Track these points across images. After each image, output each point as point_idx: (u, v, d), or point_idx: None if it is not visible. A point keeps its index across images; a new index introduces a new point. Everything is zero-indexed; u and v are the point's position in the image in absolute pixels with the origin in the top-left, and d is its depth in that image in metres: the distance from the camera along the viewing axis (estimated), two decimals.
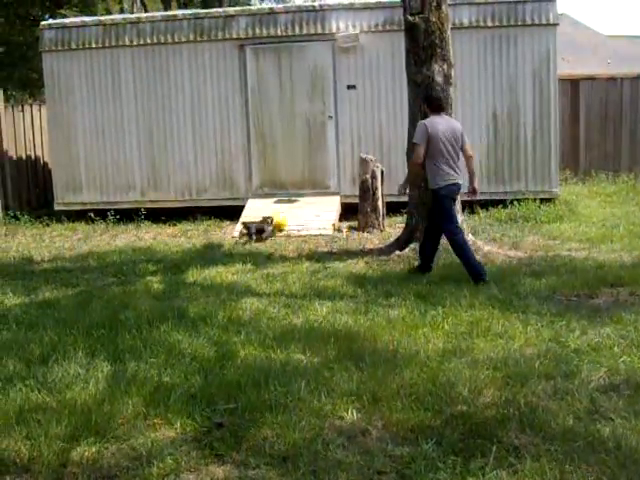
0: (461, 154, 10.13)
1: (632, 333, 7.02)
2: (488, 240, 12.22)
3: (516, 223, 13.84)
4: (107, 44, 16.24)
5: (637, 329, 7.12)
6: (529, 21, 15.37)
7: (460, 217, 11.29)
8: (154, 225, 15.56)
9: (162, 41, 16.10)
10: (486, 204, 15.02)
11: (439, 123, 9.91)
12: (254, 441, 5.00)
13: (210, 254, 12.16)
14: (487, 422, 5.11)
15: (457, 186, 10.03)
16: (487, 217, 14.45)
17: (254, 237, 13.24)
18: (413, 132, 10.89)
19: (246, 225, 13.58)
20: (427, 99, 10.36)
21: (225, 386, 5.88)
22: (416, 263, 10.40)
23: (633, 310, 7.82)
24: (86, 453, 4.91)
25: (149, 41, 16.13)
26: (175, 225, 15.40)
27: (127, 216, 15.98)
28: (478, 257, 10.58)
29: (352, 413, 5.35)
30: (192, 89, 16.15)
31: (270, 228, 13.46)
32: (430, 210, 10.31)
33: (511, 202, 15.03)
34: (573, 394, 5.56)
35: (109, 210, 16.08)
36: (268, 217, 13.59)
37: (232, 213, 15.30)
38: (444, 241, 10.11)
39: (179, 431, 5.21)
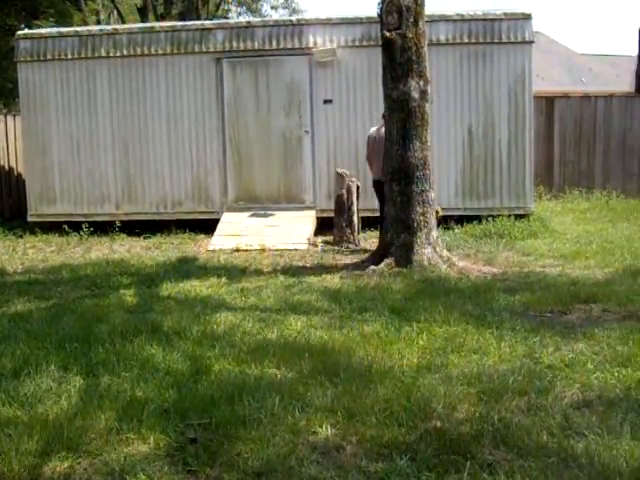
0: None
1: (605, 349, 7.04)
2: (463, 256, 12.26)
3: (490, 239, 13.90)
4: (83, 55, 16.22)
5: (610, 345, 7.15)
6: (505, 38, 15.51)
7: (435, 233, 11.36)
8: (129, 238, 15.52)
9: (138, 53, 16.10)
10: (461, 220, 15.09)
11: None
12: (228, 457, 4.96)
13: (185, 267, 12.11)
14: (461, 438, 5.10)
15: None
16: (462, 233, 14.50)
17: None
18: (389, 147, 11.03)
19: None
20: None
21: (199, 401, 5.83)
22: (392, 279, 10.45)
23: (606, 326, 7.85)
24: (58, 468, 4.85)
25: (125, 53, 16.13)
26: (150, 238, 15.37)
27: (102, 228, 15.92)
28: (453, 273, 10.69)
29: (326, 429, 5.33)
30: (168, 102, 16.14)
31: None
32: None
33: (486, 218, 15.09)
34: (547, 410, 5.57)
35: (83, 222, 16.00)
36: None
37: (207, 227, 15.29)
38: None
39: (152, 446, 5.15)
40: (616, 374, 6.36)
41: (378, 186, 12.61)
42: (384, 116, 11.83)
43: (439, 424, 5.32)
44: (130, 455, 5.03)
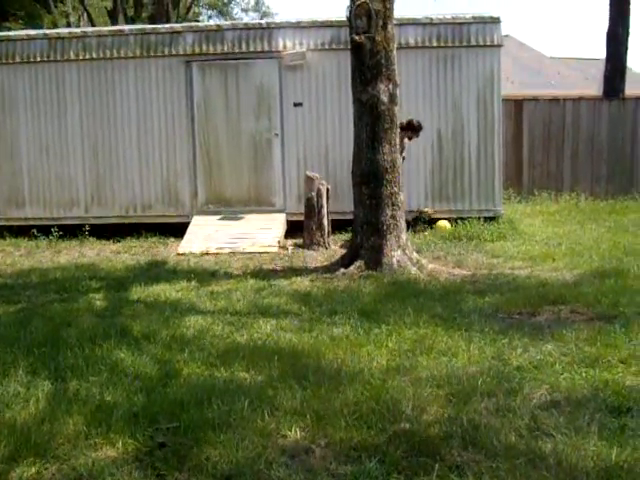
0: None
1: (573, 350, 7.09)
2: (432, 258, 12.31)
3: (460, 241, 13.97)
4: (52, 58, 16.12)
5: (578, 346, 7.20)
6: (474, 42, 15.58)
7: (404, 235, 11.40)
8: (98, 241, 15.44)
9: (108, 56, 16.02)
10: (431, 222, 15.12)
11: None
12: (197, 460, 4.95)
13: (154, 271, 12.08)
14: (430, 440, 5.12)
15: None
16: (431, 235, 14.54)
17: None
18: (359, 151, 11.08)
19: None
20: None
21: (168, 405, 5.81)
22: (362, 281, 10.48)
23: (574, 327, 7.90)
24: (25, 474, 4.82)
25: (95, 56, 16.04)
26: (119, 242, 15.30)
27: (71, 232, 15.83)
28: (422, 275, 10.74)
29: (295, 432, 5.33)
30: (138, 105, 16.08)
31: None
32: None
33: (455, 220, 15.14)
34: (515, 411, 5.60)
35: (53, 226, 15.91)
36: None
37: (177, 230, 15.24)
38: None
39: (121, 451, 5.13)
40: (584, 375, 6.41)
41: None
42: (401, 126, 12.49)
43: (408, 426, 5.33)
44: (98, 460, 5.00)
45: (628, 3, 23.60)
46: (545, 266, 11.60)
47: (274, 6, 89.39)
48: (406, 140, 14.19)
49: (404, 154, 13.78)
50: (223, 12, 51.78)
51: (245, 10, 52.16)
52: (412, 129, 14.27)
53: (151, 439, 5.29)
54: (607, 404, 5.77)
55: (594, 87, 28.42)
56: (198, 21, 44.09)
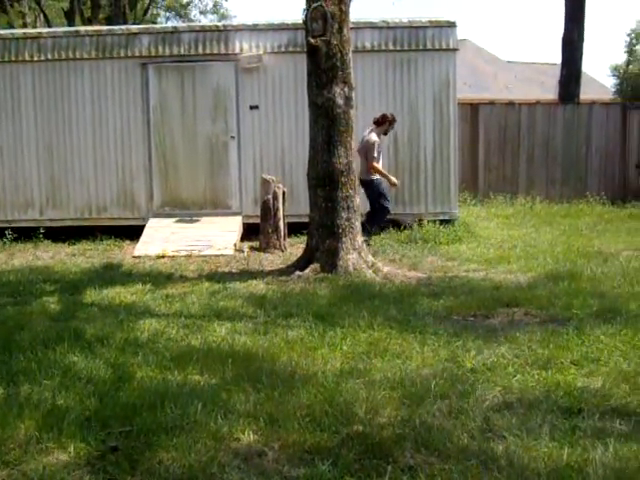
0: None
1: (526, 352, 7.15)
2: (388, 261, 12.35)
3: (416, 244, 14.01)
4: (7, 59, 15.94)
5: (531, 348, 7.26)
6: (430, 46, 15.66)
7: (360, 238, 11.43)
8: (53, 244, 15.28)
9: (63, 57, 15.88)
10: (386, 225, 15.17)
11: None
12: (149, 464, 4.92)
13: (109, 274, 11.98)
14: (383, 442, 5.13)
15: None
16: (387, 238, 14.58)
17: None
18: (314, 154, 11.11)
19: None
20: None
21: (120, 409, 5.77)
22: (317, 284, 10.52)
23: (527, 330, 7.97)
24: None
25: (50, 57, 15.89)
26: (74, 244, 15.16)
27: (25, 235, 15.67)
28: (378, 278, 10.77)
29: (249, 435, 5.32)
30: (93, 107, 15.95)
31: None
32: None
33: (411, 223, 15.19)
34: (468, 413, 5.63)
35: (6, 228, 15.73)
36: None
37: (133, 232, 15.14)
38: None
39: (72, 455, 5.09)
40: (536, 376, 6.47)
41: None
42: (375, 120, 14.20)
43: (361, 428, 5.34)
44: (49, 465, 4.96)
45: (583, 9, 23.89)
46: (500, 269, 11.68)
47: (233, 8, 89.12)
48: (382, 136, 14.49)
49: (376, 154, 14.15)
50: (181, 14, 51.56)
51: (203, 12, 51.95)
52: (387, 122, 14.46)
53: (103, 443, 5.24)
54: (559, 405, 5.82)
55: (550, 92, 28.70)
56: (156, 23, 43.87)
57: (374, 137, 14.20)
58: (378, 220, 14.46)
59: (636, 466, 4.80)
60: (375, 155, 14.12)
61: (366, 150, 14.11)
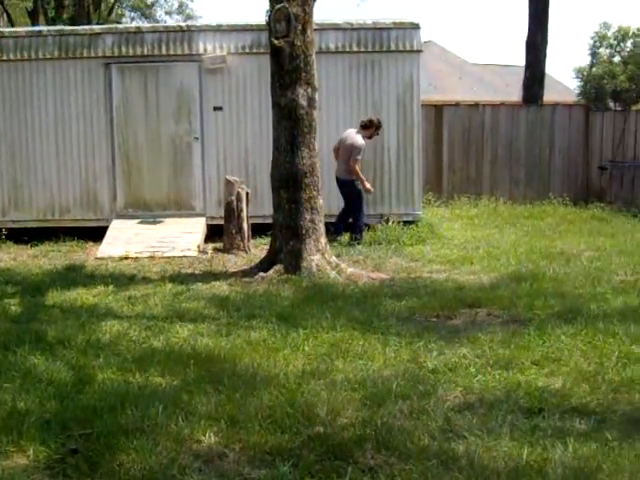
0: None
1: (487, 352, 7.20)
2: (351, 262, 12.35)
3: (380, 245, 14.01)
4: None
5: (492, 349, 7.31)
6: (394, 47, 15.66)
7: (324, 239, 11.44)
8: (15, 246, 15.11)
9: (26, 57, 15.70)
10: (348, 226, 15.16)
11: None
12: (109, 467, 4.90)
13: (72, 276, 11.87)
14: (344, 443, 5.14)
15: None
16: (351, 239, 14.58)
17: None
18: (278, 154, 11.11)
19: None
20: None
21: (81, 411, 5.75)
22: (280, 286, 10.52)
23: (489, 330, 8.03)
24: None
25: (12, 57, 15.71)
26: (37, 246, 15.00)
27: None
28: (341, 279, 10.78)
29: (210, 436, 5.31)
30: (56, 107, 15.81)
31: None
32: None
33: (375, 225, 15.18)
34: (429, 413, 5.65)
35: None
36: None
37: (96, 234, 15.02)
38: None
39: (32, 458, 5.07)
40: (497, 377, 6.52)
41: (337, 183, 14.63)
42: (363, 124, 14.44)
43: (322, 430, 5.35)
44: (8, 468, 4.94)
45: (546, 12, 24.03)
46: (463, 269, 11.74)
47: (199, 9, 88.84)
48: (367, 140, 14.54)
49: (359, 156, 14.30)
50: (146, 14, 51.29)
51: (169, 13, 51.64)
52: (374, 127, 14.54)
53: (63, 446, 5.23)
54: (520, 405, 5.88)
55: (515, 93, 28.88)
56: (120, 23, 43.58)
57: (361, 140, 14.29)
58: (359, 226, 14.47)
59: (595, 465, 4.84)
60: (358, 158, 14.23)
61: (350, 151, 14.20)
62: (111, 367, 6.90)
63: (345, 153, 14.28)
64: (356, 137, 14.32)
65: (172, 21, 48.47)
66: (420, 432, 5.33)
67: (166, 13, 51.92)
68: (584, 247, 13.59)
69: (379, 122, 14.66)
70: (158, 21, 47.56)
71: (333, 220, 14.28)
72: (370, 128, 14.50)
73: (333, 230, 14.13)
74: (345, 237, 14.41)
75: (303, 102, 11.14)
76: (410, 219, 15.66)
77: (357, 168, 14.25)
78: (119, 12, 50.53)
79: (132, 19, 50.89)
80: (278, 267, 11.17)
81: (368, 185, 14.48)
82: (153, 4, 51.96)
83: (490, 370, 6.69)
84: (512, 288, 10.09)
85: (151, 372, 6.71)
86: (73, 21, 37.36)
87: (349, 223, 14.65)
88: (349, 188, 14.41)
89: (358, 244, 13.91)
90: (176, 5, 51.50)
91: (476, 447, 5.09)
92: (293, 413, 5.60)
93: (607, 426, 5.50)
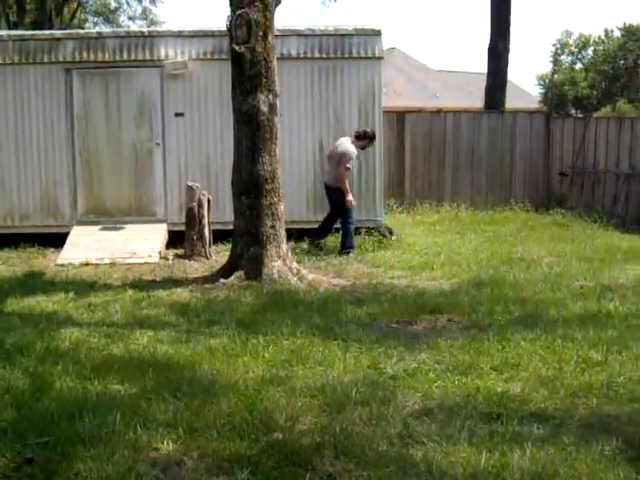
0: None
1: (447, 358, 7.24)
2: (313, 268, 12.35)
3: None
4: None
5: (452, 354, 7.34)
6: (355, 54, 15.70)
7: (285, 246, 11.43)
8: None
9: None
10: (312, 233, 15.16)
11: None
12: (65, 476, 4.87)
13: (31, 282, 11.77)
14: (302, 450, 5.13)
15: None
16: (313, 246, 14.57)
17: None
18: (239, 161, 11.10)
19: None
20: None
21: (38, 419, 5.70)
22: (241, 292, 10.50)
23: (449, 336, 8.07)
24: None
25: None
26: None
27: None
28: (302, 285, 10.78)
29: (168, 444, 5.29)
30: (16, 112, 15.67)
31: None
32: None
33: (336, 231, 15.18)
34: (388, 420, 5.66)
35: None
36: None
37: (57, 240, 14.91)
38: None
39: None
40: (457, 382, 6.55)
41: (326, 190, 14.62)
42: (357, 134, 14.50)
43: (281, 436, 5.35)
44: None
45: (508, 20, 24.23)
46: (424, 275, 11.79)
47: (162, 14, 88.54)
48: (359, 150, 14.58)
49: (349, 164, 14.23)
50: (109, 19, 51.06)
51: (132, 18, 51.45)
52: (367, 138, 14.60)
53: (19, 455, 5.18)
54: (478, 411, 5.90)
55: (479, 100, 29.05)
56: (83, 28, 43.37)
57: (353, 148, 14.29)
58: (349, 235, 14.25)
59: (552, 470, 4.88)
60: (348, 165, 14.17)
61: (341, 158, 14.16)
62: (70, 375, 6.84)
63: (335, 160, 14.31)
64: (349, 146, 14.32)
65: (135, 26, 48.26)
66: (379, 438, 5.34)
67: (129, 18, 51.75)
68: (545, 253, 13.70)
69: (373, 133, 14.75)
70: (121, 26, 47.32)
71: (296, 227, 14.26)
72: (364, 139, 14.56)
73: (316, 236, 14.40)
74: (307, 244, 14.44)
75: (264, 108, 11.13)
76: (372, 225, 15.68)
77: (345, 176, 14.16)
78: (82, 17, 50.27)
79: (95, 24, 50.69)
80: (239, 273, 11.15)
81: (350, 197, 14.27)
82: (116, 9, 51.75)
83: (450, 376, 6.72)
84: (473, 294, 10.15)
85: (110, 379, 6.67)
86: (36, 25, 37.12)
87: (329, 229, 14.73)
88: (338, 196, 14.30)
89: (348, 254, 13.80)
90: (139, 10, 51.32)
91: (434, 453, 5.11)
92: (252, 420, 5.59)
93: (565, 431, 5.54)
